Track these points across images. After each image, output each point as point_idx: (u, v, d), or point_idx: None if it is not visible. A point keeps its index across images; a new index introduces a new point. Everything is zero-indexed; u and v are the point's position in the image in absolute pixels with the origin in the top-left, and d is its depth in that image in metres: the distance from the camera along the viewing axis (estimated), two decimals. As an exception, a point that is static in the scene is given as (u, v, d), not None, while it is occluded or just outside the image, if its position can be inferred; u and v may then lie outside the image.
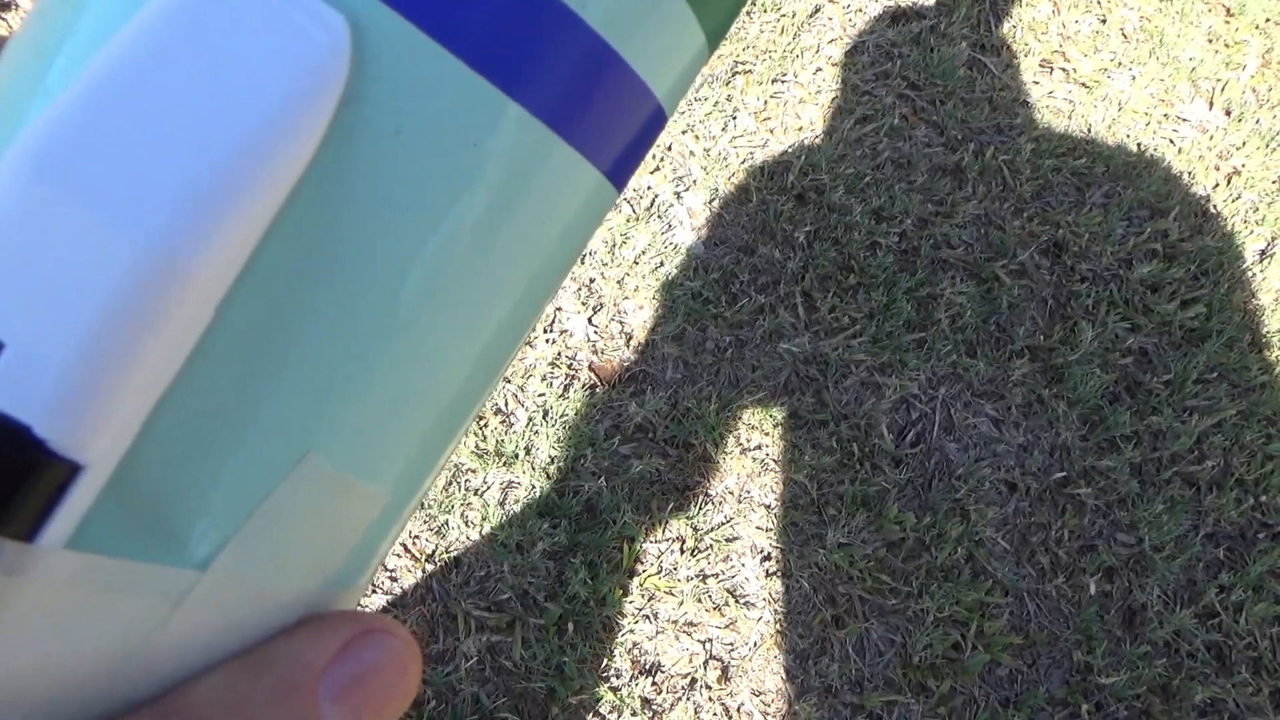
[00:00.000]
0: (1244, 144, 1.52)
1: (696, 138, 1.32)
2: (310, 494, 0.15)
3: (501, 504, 1.03)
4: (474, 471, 1.04)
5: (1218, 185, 1.47)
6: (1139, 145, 1.47)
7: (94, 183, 0.12)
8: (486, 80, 0.14)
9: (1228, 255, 1.38)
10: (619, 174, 0.17)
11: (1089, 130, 1.45)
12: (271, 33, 0.13)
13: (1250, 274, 1.38)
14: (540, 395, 1.09)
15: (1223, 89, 1.56)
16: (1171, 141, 1.49)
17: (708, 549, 1.04)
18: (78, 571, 0.13)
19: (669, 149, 1.31)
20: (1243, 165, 1.50)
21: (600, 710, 0.94)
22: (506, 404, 1.09)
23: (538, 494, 1.04)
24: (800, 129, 1.36)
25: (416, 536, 1.01)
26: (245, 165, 0.13)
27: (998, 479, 1.14)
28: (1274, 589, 1.11)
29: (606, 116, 0.16)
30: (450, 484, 1.03)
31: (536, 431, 1.07)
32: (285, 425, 0.14)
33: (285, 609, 0.16)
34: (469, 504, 1.02)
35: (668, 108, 0.18)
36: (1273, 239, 1.42)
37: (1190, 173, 1.47)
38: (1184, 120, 1.52)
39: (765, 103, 1.38)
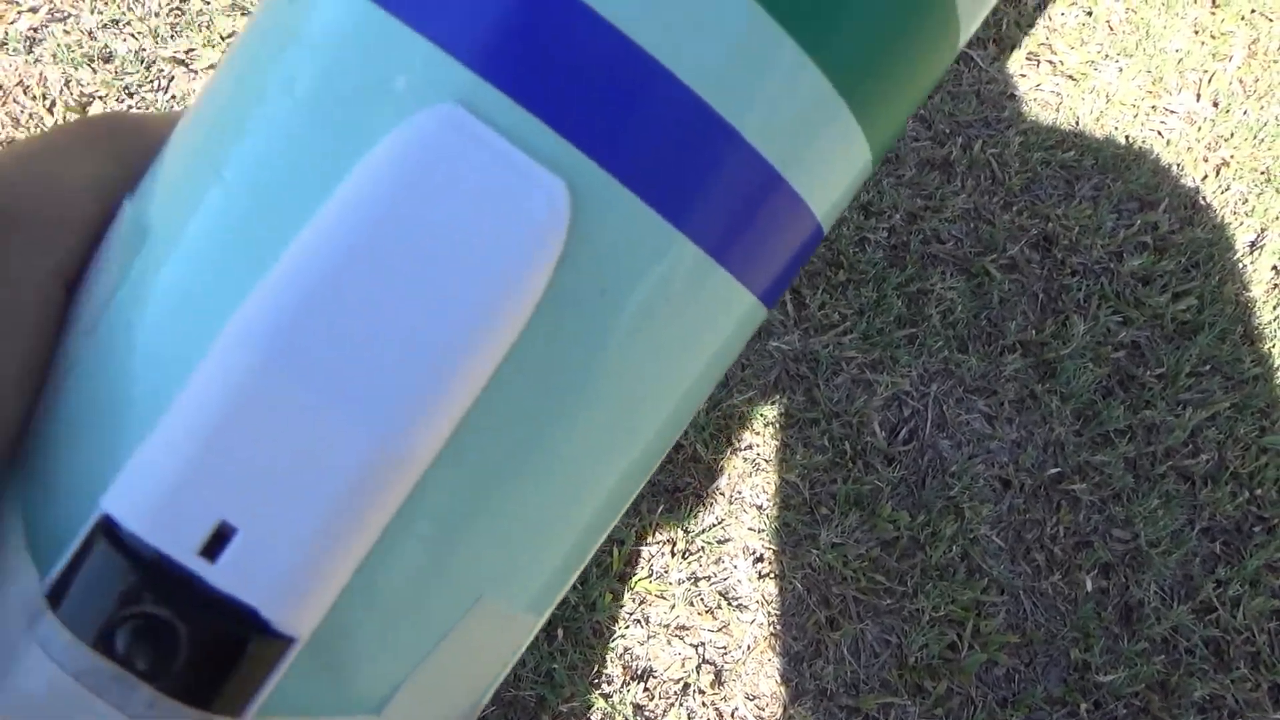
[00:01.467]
0: (1232, 135, 1.51)
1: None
2: (480, 633, 0.15)
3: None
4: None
5: (1206, 177, 1.46)
6: (1127, 137, 1.46)
7: (330, 372, 0.12)
8: (668, 222, 0.14)
9: (1218, 247, 1.37)
10: (771, 296, 0.17)
11: (1077, 123, 1.44)
12: (497, 205, 0.12)
13: (1241, 265, 1.37)
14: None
15: (1210, 80, 1.55)
16: (1159, 133, 1.48)
17: (699, 551, 1.02)
18: None
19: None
20: (1231, 156, 1.49)
21: (591, 717, 0.92)
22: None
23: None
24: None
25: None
26: (473, 349, 0.12)
27: (991, 475, 1.12)
28: (1271, 583, 1.10)
29: (767, 244, 0.16)
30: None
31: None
32: (467, 579, 0.15)
33: None
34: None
35: (825, 226, 0.18)
36: (1263, 230, 1.42)
37: (1179, 164, 1.46)
38: (1172, 112, 1.51)
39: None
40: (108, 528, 0.12)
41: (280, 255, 0.13)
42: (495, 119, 0.12)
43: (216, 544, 0.12)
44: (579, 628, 0.96)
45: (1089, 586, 1.07)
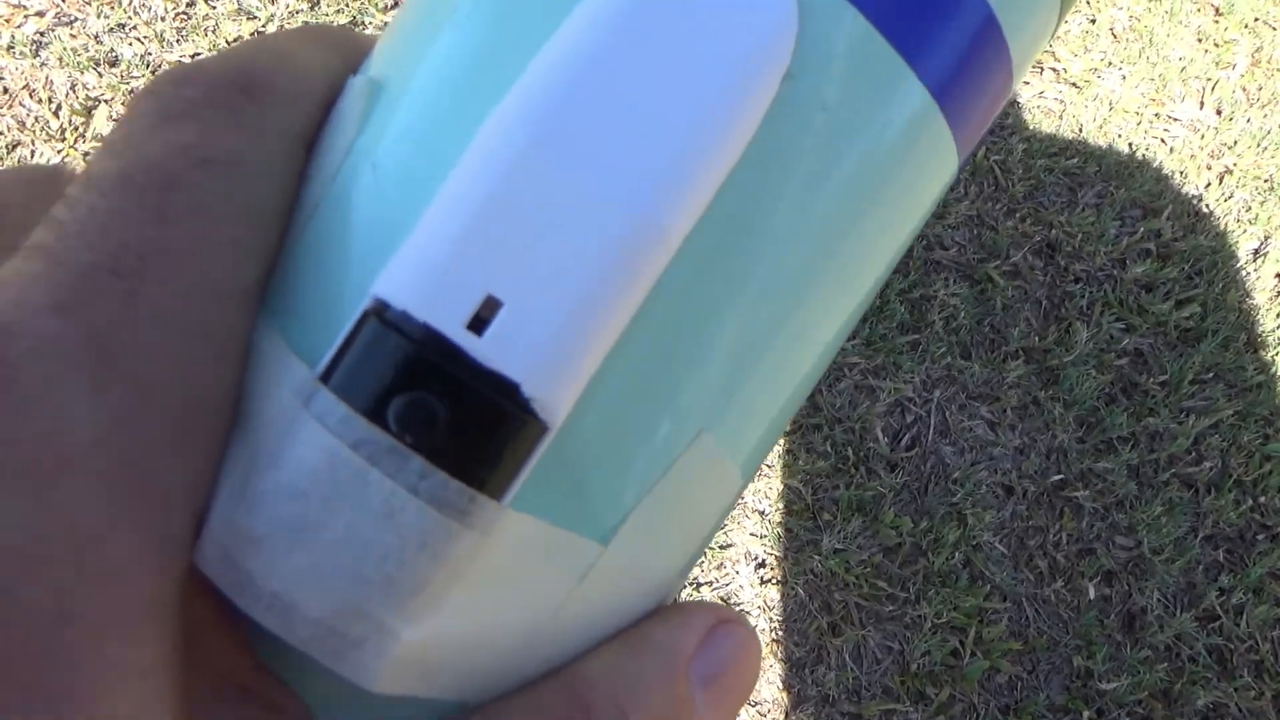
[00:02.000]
0: (1235, 143, 1.51)
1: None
2: (696, 474, 0.15)
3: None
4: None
5: (1210, 184, 1.46)
6: (1130, 145, 1.46)
7: (592, 150, 0.13)
8: (895, 50, 0.14)
9: (1221, 254, 1.37)
10: (964, 157, 0.17)
11: (1080, 130, 1.44)
12: (731, 5, 0.13)
13: (1244, 273, 1.37)
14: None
15: (1213, 88, 1.55)
16: (1163, 141, 1.48)
17: (701, 558, 1.02)
18: (524, 535, 0.14)
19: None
20: (1234, 164, 1.49)
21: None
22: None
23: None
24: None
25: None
26: (713, 138, 0.13)
27: (994, 482, 1.12)
28: (1274, 591, 1.10)
29: (977, 94, 0.16)
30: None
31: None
32: (694, 401, 0.15)
33: (653, 591, 0.16)
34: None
35: (1011, 85, 0.18)
36: (1266, 238, 1.42)
37: (1182, 172, 1.46)
38: (1175, 119, 1.51)
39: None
40: (378, 310, 0.13)
41: (527, 63, 0.13)
42: None
43: (483, 318, 0.13)
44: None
45: (1091, 594, 1.07)
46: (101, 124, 1.17)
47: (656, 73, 0.13)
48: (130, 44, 1.23)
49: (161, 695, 0.12)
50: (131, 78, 1.20)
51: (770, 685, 0.97)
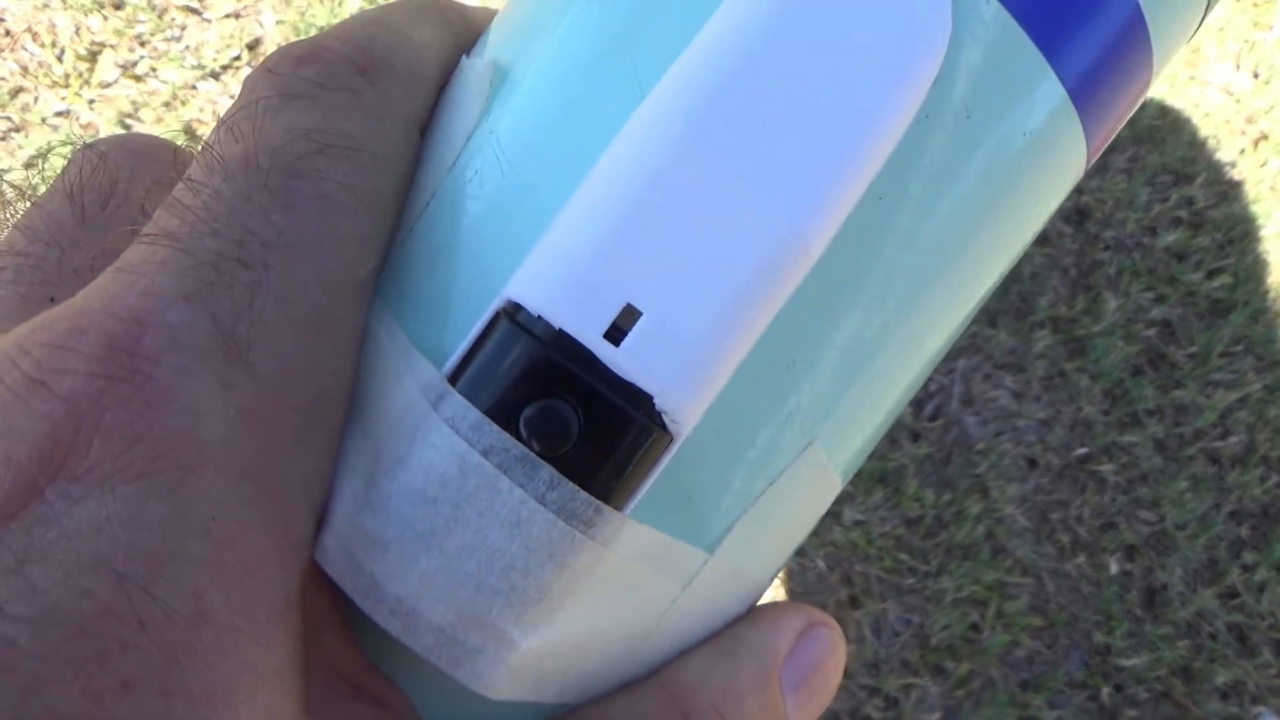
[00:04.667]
0: (1271, 108, 1.47)
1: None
2: (803, 484, 0.15)
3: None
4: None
5: (1244, 150, 1.42)
6: (1164, 109, 1.42)
7: (743, 159, 0.12)
8: (1035, 47, 0.14)
9: (1254, 223, 1.34)
10: (1093, 159, 0.17)
11: (1114, 92, 1.40)
12: (889, 8, 0.13)
13: (1276, 243, 1.34)
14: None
15: (1250, 50, 1.50)
16: (1197, 105, 1.44)
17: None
18: (640, 544, 0.14)
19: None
20: (1270, 130, 1.45)
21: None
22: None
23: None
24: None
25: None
26: (864, 149, 0.13)
27: (1018, 454, 1.10)
28: (1297, 568, 1.09)
29: (1117, 95, 0.16)
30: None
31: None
32: (808, 412, 0.14)
33: (749, 596, 0.16)
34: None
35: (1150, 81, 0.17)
36: (1299, 207, 1.38)
37: (1216, 137, 1.42)
38: (1209, 83, 1.47)
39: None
40: (511, 311, 0.13)
41: (667, 45, 0.13)
42: None
43: (620, 328, 0.12)
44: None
45: (1114, 569, 1.05)
46: (106, 70, 1.13)
47: (811, 74, 0.12)
48: (136, -14, 1.18)
49: (291, 696, 0.12)
50: (138, 22, 1.16)
51: (789, 657, 0.96)
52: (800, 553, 1.01)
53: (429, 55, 0.15)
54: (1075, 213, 1.29)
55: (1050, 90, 0.14)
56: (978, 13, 0.13)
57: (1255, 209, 1.36)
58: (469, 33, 0.17)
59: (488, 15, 0.17)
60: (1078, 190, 1.31)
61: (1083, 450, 1.12)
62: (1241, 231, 1.32)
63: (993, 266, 0.16)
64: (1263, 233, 1.33)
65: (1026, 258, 1.23)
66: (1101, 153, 0.17)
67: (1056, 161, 0.15)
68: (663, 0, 0.13)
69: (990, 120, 0.14)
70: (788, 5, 0.12)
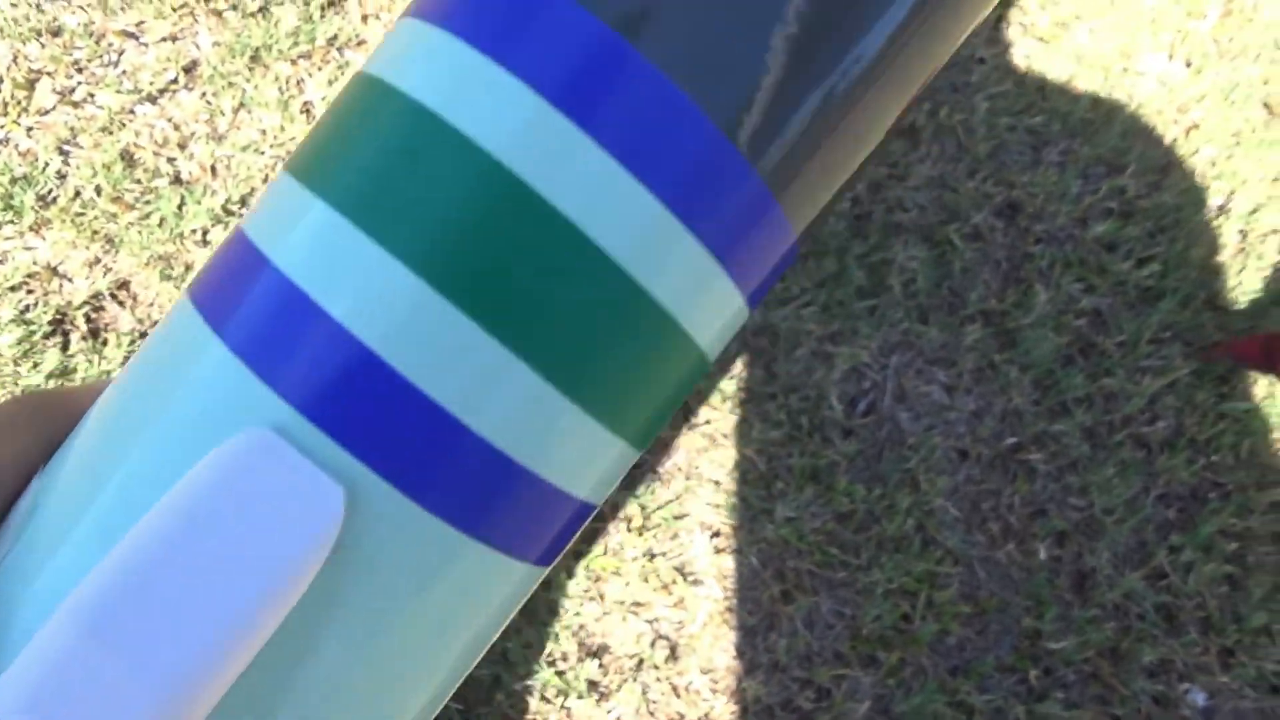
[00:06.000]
0: (1204, 97, 1.50)
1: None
2: None
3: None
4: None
5: (1176, 140, 1.45)
6: (1096, 100, 1.44)
7: (126, 640, 0.15)
8: (448, 525, 0.18)
9: (1185, 211, 1.37)
10: (547, 559, 0.20)
11: (1045, 86, 1.43)
12: (284, 509, 0.16)
13: (1207, 230, 1.36)
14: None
15: (1183, 40, 1.53)
16: (1131, 95, 1.47)
17: (655, 527, 1.03)
18: None
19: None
20: (1202, 119, 1.48)
21: (546, 694, 0.94)
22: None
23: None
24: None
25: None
26: (252, 621, 0.16)
27: (949, 447, 1.13)
28: (1223, 549, 1.12)
29: (526, 522, 0.19)
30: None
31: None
32: None
33: None
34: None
35: (597, 500, 0.21)
36: (1231, 193, 1.41)
37: (1149, 128, 1.45)
38: (1143, 74, 1.50)
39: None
40: None
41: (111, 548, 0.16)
42: (299, 441, 0.16)
43: None
44: (534, 606, 0.97)
45: (1043, 555, 1.08)
46: (44, 97, 1.15)
47: (201, 570, 0.15)
48: (73, 12, 1.20)
49: None
50: (75, 48, 1.18)
51: (723, 653, 0.99)
52: (734, 550, 1.03)
53: (6, 474, 0.17)
54: (1007, 207, 1.31)
55: (455, 543, 0.18)
56: (368, 492, 0.17)
57: (1186, 197, 1.39)
58: (64, 432, 0.18)
59: (90, 398, 0.19)
60: (1010, 184, 1.33)
61: (1013, 440, 1.14)
62: (1172, 220, 1.35)
63: (425, 690, 0.20)
64: (1193, 220, 1.36)
65: (957, 253, 1.25)
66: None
67: (456, 577, 0.19)
68: (130, 495, 0.17)
69: (390, 572, 0.17)
70: (195, 521, 0.15)
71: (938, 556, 1.05)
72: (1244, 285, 1.32)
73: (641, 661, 0.97)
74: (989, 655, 1.03)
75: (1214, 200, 1.40)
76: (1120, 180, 1.37)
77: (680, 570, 1.02)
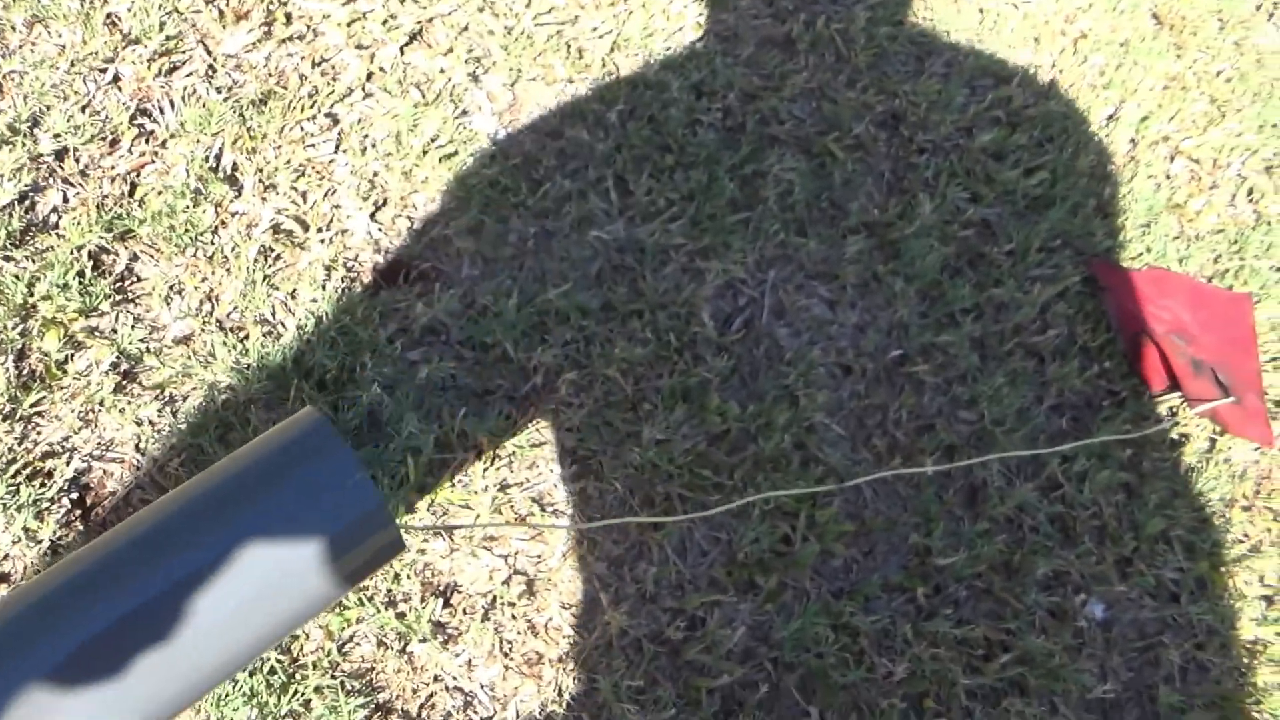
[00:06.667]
0: (1091, 5, 1.45)
1: (496, 14, 1.20)
2: None
3: (271, 423, 0.91)
4: (232, 389, 0.92)
5: (1064, 50, 1.40)
6: (982, 9, 1.39)
7: None
8: None
9: (1073, 120, 1.32)
10: None
11: (928, -4, 1.37)
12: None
13: (1096, 138, 1.32)
14: (312, 301, 0.97)
15: (1068, -49, 1.48)
16: (1016, 6, 1.42)
17: (509, 457, 0.94)
18: None
19: (465, 29, 1.18)
20: (1090, 28, 1.43)
21: (385, 639, 0.85)
22: (274, 313, 0.97)
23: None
24: (613, 3, 1.24)
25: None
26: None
27: (831, 362, 1.06)
28: (1118, 456, 1.06)
29: None
30: (206, 406, 0.91)
31: (307, 341, 0.95)
32: None
33: None
34: (229, 424, 0.91)
35: None
36: (1121, 102, 1.36)
37: (1036, 37, 1.39)
38: (1029, -15, 1.44)
39: (577, -23, 1.26)
40: None
41: None
42: None
43: None
44: (372, 544, 0.88)
45: (929, 469, 1.02)
46: None
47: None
48: None
49: None
50: None
51: (586, 586, 0.90)
52: (597, 476, 0.95)
53: None
54: (890, 117, 1.25)
55: None
56: None
57: (1074, 106, 1.34)
58: None
59: None
60: (892, 94, 1.27)
61: (898, 353, 1.08)
62: (1060, 128, 1.30)
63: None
64: (1081, 129, 1.31)
65: (838, 163, 1.18)
66: None
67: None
68: None
69: None
70: None
71: (819, 475, 0.98)
72: (1134, 191, 1.27)
73: (495, 599, 0.88)
74: (875, 575, 0.96)
75: (1103, 110, 1.35)
76: (1007, 90, 1.32)
77: (538, 501, 0.93)
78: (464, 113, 1.12)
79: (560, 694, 0.86)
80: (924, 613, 0.95)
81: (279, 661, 0.82)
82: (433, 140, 1.08)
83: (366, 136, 1.08)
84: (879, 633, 0.93)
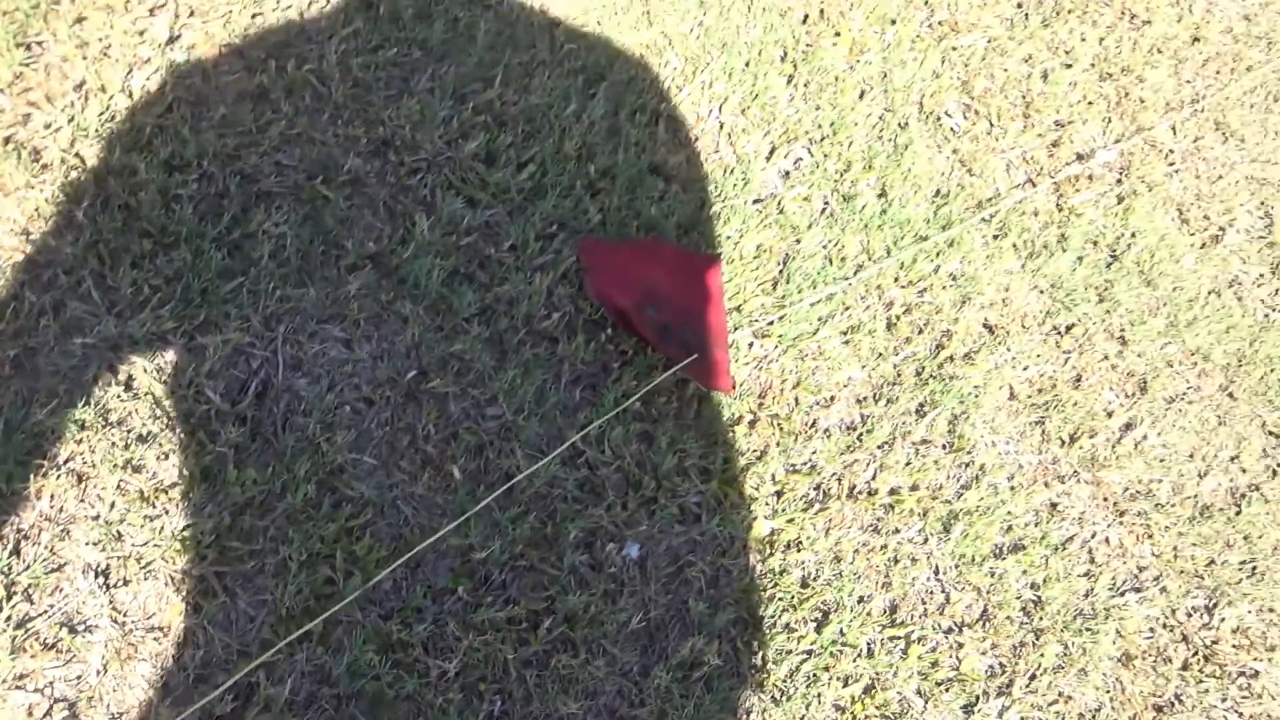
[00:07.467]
0: (560, -6, 1.58)
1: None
2: None
3: None
4: None
5: (538, 40, 1.51)
6: (453, 20, 1.47)
7: None
8: None
9: (555, 108, 1.43)
10: None
11: (399, 17, 1.43)
12: None
13: (579, 121, 1.44)
14: None
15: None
16: (487, 6, 1.51)
17: (28, 589, 0.95)
18: None
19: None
20: (563, 13, 1.55)
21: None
22: None
23: None
24: (65, 93, 1.22)
25: None
26: None
27: (354, 399, 1.13)
28: (632, 409, 1.21)
29: None
30: None
31: None
32: None
33: None
34: None
35: None
36: (599, 80, 1.50)
37: (511, 34, 1.50)
38: (503, -18, 1.54)
39: (19, 73, 1.22)
40: None
41: None
42: None
43: None
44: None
45: (457, 474, 1.12)
46: None
47: None
48: None
49: None
50: None
51: (133, 691, 0.94)
52: (125, 581, 0.98)
53: None
54: (380, 145, 1.31)
55: None
56: None
57: (554, 95, 1.45)
58: None
59: None
60: (376, 122, 1.33)
61: (415, 373, 1.16)
62: (544, 120, 1.41)
63: None
64: (563, 114, 1.43)
65: (331, 205, 1.24)
66: None
67: None
68: None
69: None
70: None
71: (349, 511, 1.06)
72: (619, 163, 1.41)
73: (35, 735, 0.90)
74: (419, 587, 1.05)
75: (584, 90, 1.48)
76: (490, 93, 1.42)
77: (69, 624, 0.95)
78: (-96, 250, 1.07)
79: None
80: (470, 606, 1.06)
81: None
82: None
83: None
84: (429, 638, 1.03)
